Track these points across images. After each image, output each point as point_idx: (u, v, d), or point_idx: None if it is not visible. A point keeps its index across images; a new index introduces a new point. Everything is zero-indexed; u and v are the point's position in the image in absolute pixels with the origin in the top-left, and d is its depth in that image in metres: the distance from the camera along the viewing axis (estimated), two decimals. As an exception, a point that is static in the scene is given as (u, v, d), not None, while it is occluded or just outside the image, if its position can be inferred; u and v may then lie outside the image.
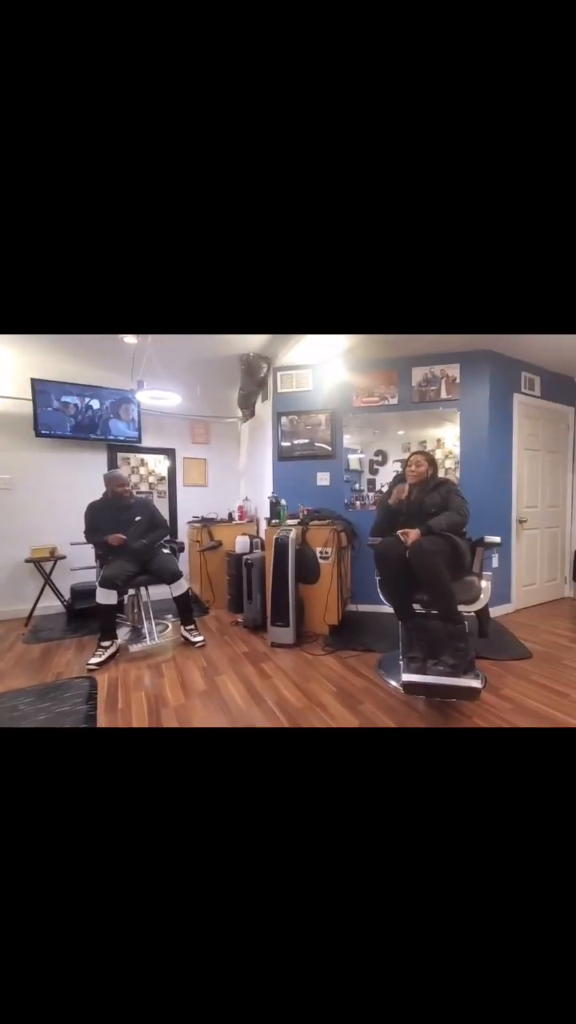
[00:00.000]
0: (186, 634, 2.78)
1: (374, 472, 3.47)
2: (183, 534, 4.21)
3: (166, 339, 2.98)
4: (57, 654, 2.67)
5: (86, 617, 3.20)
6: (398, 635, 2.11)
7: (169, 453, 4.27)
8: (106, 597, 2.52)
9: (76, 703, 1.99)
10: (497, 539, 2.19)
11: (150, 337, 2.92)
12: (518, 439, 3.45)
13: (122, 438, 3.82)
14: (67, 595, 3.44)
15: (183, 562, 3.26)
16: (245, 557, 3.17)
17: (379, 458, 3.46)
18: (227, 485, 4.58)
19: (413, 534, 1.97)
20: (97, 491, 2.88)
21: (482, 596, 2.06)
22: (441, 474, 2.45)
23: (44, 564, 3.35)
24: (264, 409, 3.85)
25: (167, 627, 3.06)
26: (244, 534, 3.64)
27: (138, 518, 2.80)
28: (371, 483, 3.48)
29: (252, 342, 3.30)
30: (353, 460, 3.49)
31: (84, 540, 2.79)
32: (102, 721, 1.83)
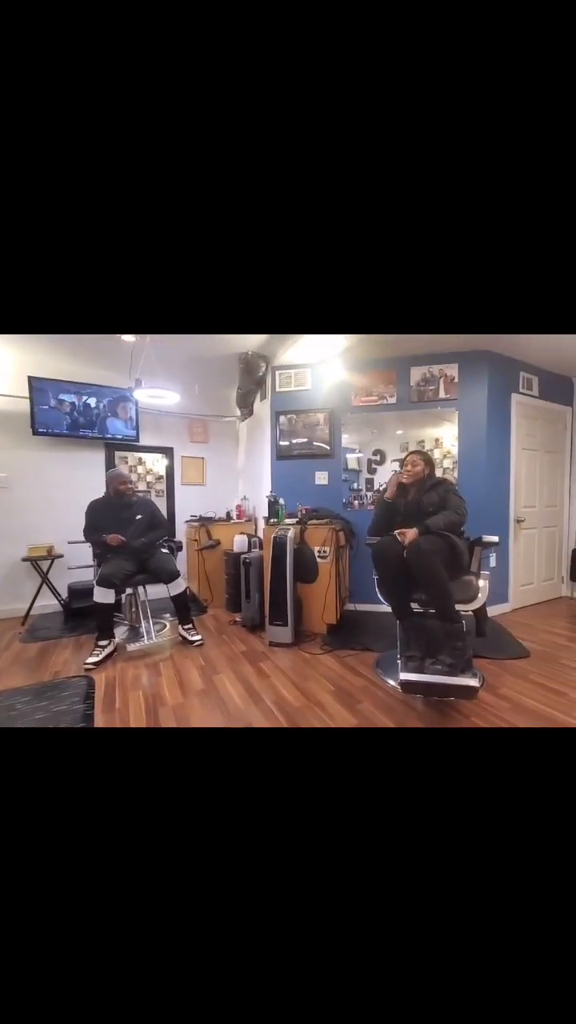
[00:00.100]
0: (184, 633, 2.78)
1: (372, 472, 3.48)
2: (181, 533, 4.21)
3: (164, 338, 2.97)
4: (54, 653, 2.66)
5: (83, 616, 3.19)
6: (396, 634, 2.11)
7: (167, 452, 4.26)
8: (104, 596, 2.51)
9: (73, 702, 1.98)
10: (495, 538, 2.19)
11: (148, 336, 2.91)
12: (516, 439, 3.46)
13: (120, 437, 3.81)
14: (64, 594, 3.43)
15: (181, 561, 3.26)
16: (243, 556, 3.17)
17: (377, 457, 3.46)
18: (225, 484, 4.58)
19: (411, 533, 1.97)
20: (95, 490, 2.87)
21: (480, 595, 2.07)
22: (439, 473, 2.45)
23: (41, 563, 3.34)
24: (262, 408, 3.84)
25: (165, 626, 3.05)
26: (242, 533, 3.64)
27: (139, 516, 2.80)
28: (369, 482, 3.48)
29: (251, 341, 3.29)
30: (351, 459, 3.49)
31: (82, 539, 2.78)
32: (99, 720, 1.82)
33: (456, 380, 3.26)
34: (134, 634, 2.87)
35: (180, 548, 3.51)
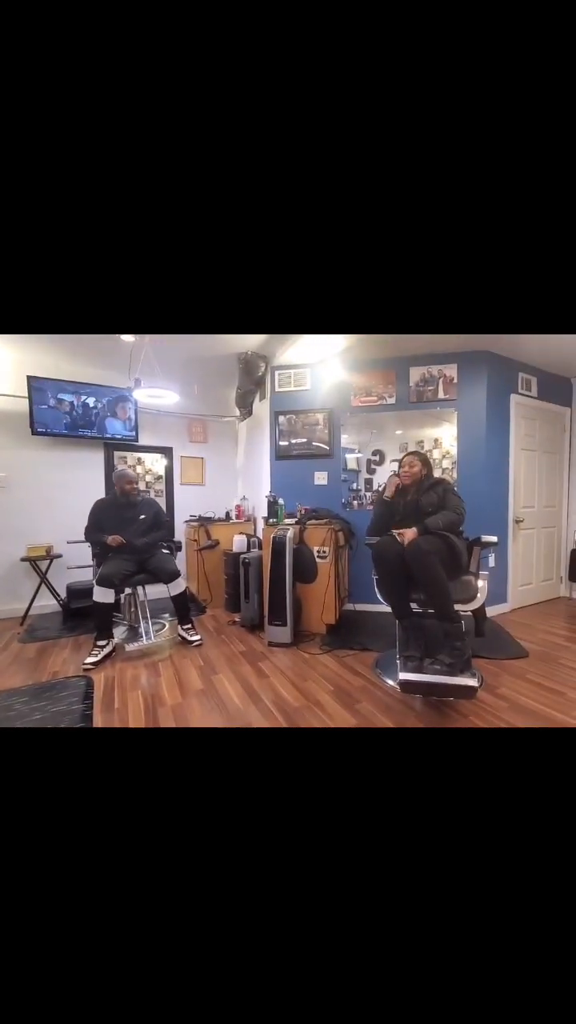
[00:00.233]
0: (183, 633, 2.78)
1: (371, 472, 3.48)
2: (180, 533, 4.20)
3: (164, 338, 2.97)
4: (53, 653, 2.66)
5: (82, 616, 3.18)
6: (395, 634, 2.11)
7: (166, 452, 4.26)
8: (103, 596, 2.51)
9: (72, 702, 1.98)
10: (494, 539, 2.19)
11: (147, 336, 2.91)
12: (515, 439, 3.46)
13: (119, 436, 3.80)
14: (63, 594, 3.43)
15: (180, 561, 3.25)
16: (242, 556, 3.17)
17: (376, 458, 3.46)
18: (224, 484, 4.58)
19: (410, 533, 1.97)
20: (94, 490, 2.88)
21: (479, 595, 2.07)
22: (437, 474, 2.45)
23: (40, 563, 3.33)
24: (262, 408, 3.84)
25: (164, 626, 3.05)
26: (241, 533, 3.64)
27: (142, 516, 2.81)
28: (368, 483, 3.48)
29: (250, 341, 3.29)
30: (351, 459, 3.49)
31: (82, 538, 2.78)
32: (98, 721, 1.82)
33: (455, 380, 3.26)
34: (133, 634, 2.86)
35: (179, 548, 3.50)
